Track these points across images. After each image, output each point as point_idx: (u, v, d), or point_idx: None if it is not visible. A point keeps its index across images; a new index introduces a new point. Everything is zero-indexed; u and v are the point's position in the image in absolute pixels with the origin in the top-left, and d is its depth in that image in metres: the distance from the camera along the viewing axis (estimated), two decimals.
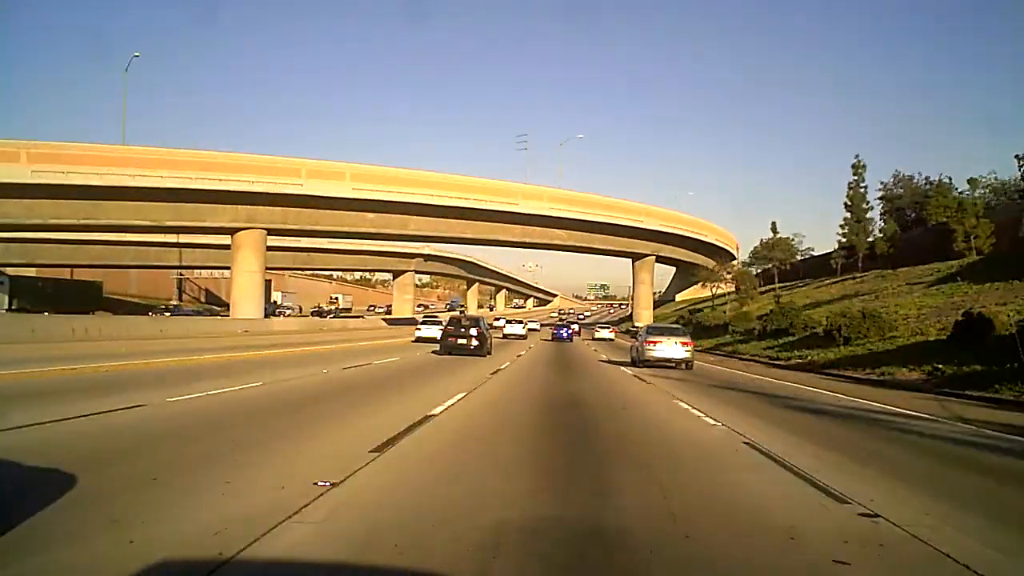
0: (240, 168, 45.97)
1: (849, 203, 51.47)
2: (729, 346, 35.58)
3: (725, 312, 52.98)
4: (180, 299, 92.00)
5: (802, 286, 56.56)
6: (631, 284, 78.84)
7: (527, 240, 61.83)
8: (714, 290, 68.15)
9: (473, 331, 25.58)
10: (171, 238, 68.75)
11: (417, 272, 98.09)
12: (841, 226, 54.66)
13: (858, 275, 49.45)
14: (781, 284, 62.06)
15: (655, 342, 21.07)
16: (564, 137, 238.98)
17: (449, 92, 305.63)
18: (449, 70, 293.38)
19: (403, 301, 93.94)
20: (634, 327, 69.46)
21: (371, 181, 50.25)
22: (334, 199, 49.02)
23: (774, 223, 65.37)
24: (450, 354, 24.65)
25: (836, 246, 61.31)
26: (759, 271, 76.66)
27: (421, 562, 3.91)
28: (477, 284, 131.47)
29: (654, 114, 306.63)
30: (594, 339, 60.21)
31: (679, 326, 29.28)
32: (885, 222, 54.94)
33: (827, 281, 53.29)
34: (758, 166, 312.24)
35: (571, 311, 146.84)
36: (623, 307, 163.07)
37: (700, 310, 54.86)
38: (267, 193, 46.73)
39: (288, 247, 75.97)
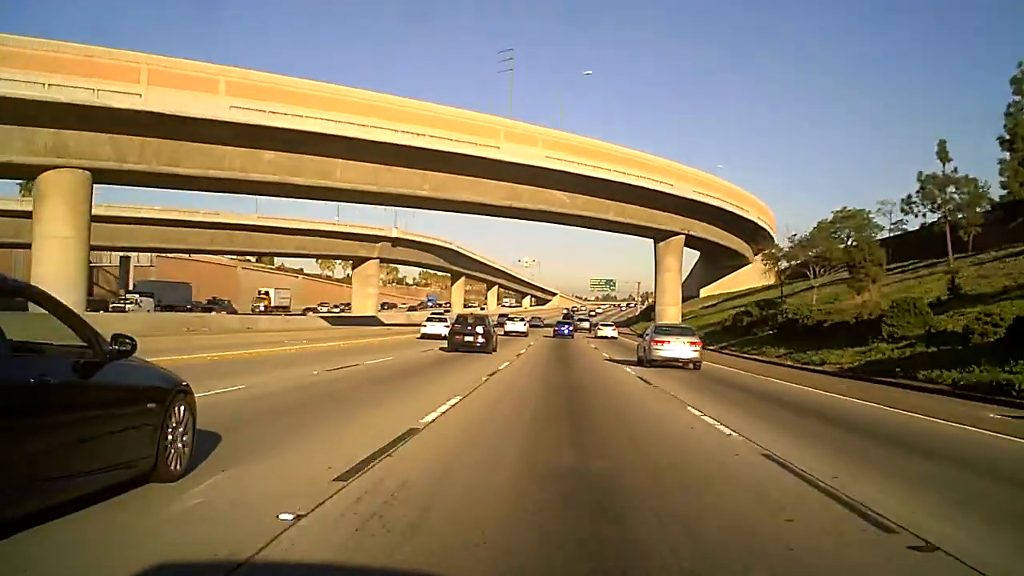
0: (28, 60, 27.60)
1: (1009, 136, 32.95)
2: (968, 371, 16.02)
3: (811, 305, 34.30)
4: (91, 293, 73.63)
5: (926, 267, 37.60)
6: (653, 271, 60.39)
7: (513, 204, 43.44)
8: (781, 277, 49.74)
9: (479, 329, 26.25)
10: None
11: (383, 261, 79.72)
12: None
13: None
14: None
15: (663, 341, 20.43)
16: (564, 84, 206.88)
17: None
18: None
19: (364, 296, 75.54)
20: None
21: (264, 96, 31.93)
22: (201, 123, 30.70)
23: (942, 143, 40.37)
24: (456, 351, 25.21)
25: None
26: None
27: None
28: (463, 278, 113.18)
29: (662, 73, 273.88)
30: (596, 337, 54.89)
31: (688, 326, 27.17)
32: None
33: (982, 256, 34.49)
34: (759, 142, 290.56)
35: (582, 308, 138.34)
36: (631, 307, 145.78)
37: (774, 302, 36.54)
38: (81, 106, 28.39)
39: (198, 222, 57.65)
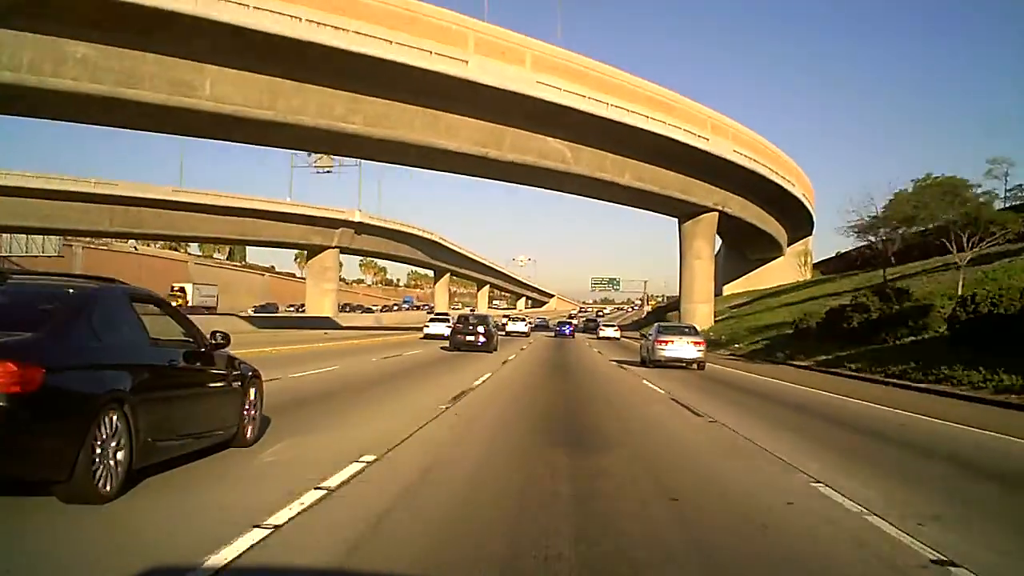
0: None
1: None
2: None
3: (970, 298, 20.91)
4: None
5: None
6: (679, 258, 47.25)
7: (490, 154, 30.34)
8: (889, 256, 36.29)
9: (480, 328, 26.12)
10: None
11: (344, 251, 66.43)
12: None
13: None
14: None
15: (666, 341, 20.01)
16: None
17: None
18: None
19: (320, 293, 62.31)
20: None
21: None
22: None
23: None
24: (459, 350, 25.08)
25: None
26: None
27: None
28: (448, 276, 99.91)
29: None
30: (599, 338, 49.71)
31: (691, 325, 24.90)
32: None
33: None
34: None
35: (586, 309, 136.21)
36: (634, 308, 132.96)
37: (903, 290, 23.13)
38: None
39: (86, 193, 44.19)
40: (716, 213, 44.96)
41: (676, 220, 46.49)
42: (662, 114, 34.75)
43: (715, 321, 46.57)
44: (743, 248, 64.03)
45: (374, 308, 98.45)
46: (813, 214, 61.48)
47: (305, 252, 64.73)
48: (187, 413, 5.40)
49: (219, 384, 6.03)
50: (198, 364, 5.67)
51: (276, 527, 3.98)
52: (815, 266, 68.27)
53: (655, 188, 38.60)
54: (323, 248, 62.05)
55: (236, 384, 6.27)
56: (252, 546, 3.68)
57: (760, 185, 46.22)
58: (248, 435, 6.41)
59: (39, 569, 3.54)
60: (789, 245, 65.43)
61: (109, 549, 3.79)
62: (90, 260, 71.28)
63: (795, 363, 22.51)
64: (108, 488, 4.32)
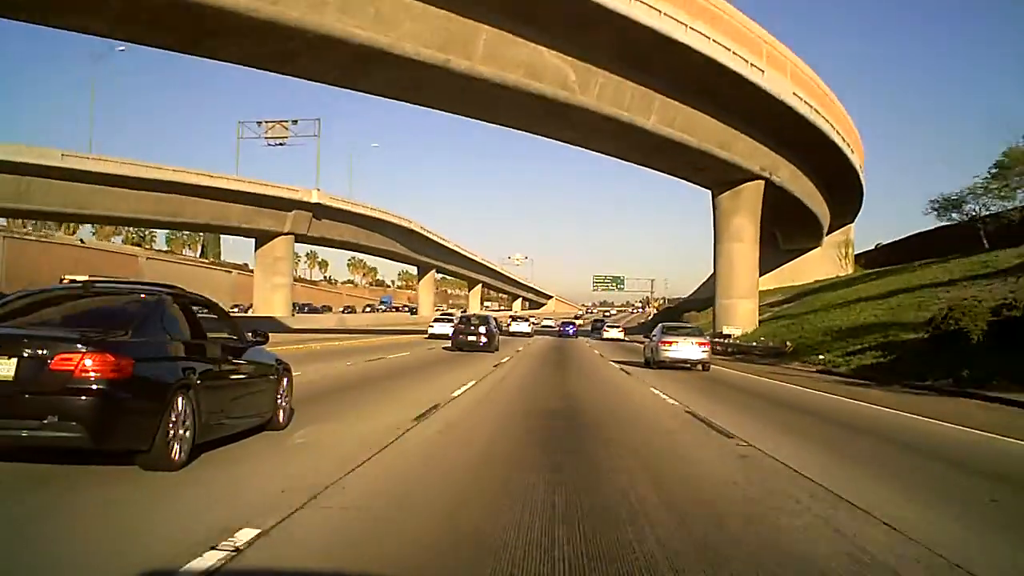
0: None
1: None
2: None
3: None
4: None
5: None
6: (713, 241, 36.66)
7: (451, 64, 19.76)
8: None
9: (482, 329, 26.41)
10: None
11: (300, 239, 55.79)
12: None
13: None
14: None
15: (670, 342, 19.97)
16: None
17: None
18: None
19: (270, 288, 52.02)
20: (722, 335, 29.89)
21: None
22: None
23: None
24: (460, 350, 25.25)
25: None
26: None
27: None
28: (433, 273, 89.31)
29: None
30: (603, 339, 48.58)
31: (695, 326, 25.64)
32: None
33: None
34: None
35: (593, 311, 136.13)
36: (640, 310, 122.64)
37: None
38: None
39: None
40: (762, 182, 34.56)
41: (710, 192, 36.02)
42: (705, 25, 24.32)
43: (759, 322, 36.17)
44: (778, 234, 53.34)
45: (339, 309, 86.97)
46: (863, 182, 50.88)
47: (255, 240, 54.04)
48: (235, 399, 6.21)
49: (259, 375, 6.80)
50: (243, 358, 6.60)
51: None
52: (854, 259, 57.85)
53: (689, 138, 28.17)
54: (274, 235, 51.57)
55: (272, 376, 7.04)
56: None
57: (815, 147, 35.91)
58: (282, 420, 7.21)
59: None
60: (828, 233, 54.98)
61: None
62: (13, 253, 60.76)
63: (1003, 396, 11.91)
64: (179, 458, 5.16)
